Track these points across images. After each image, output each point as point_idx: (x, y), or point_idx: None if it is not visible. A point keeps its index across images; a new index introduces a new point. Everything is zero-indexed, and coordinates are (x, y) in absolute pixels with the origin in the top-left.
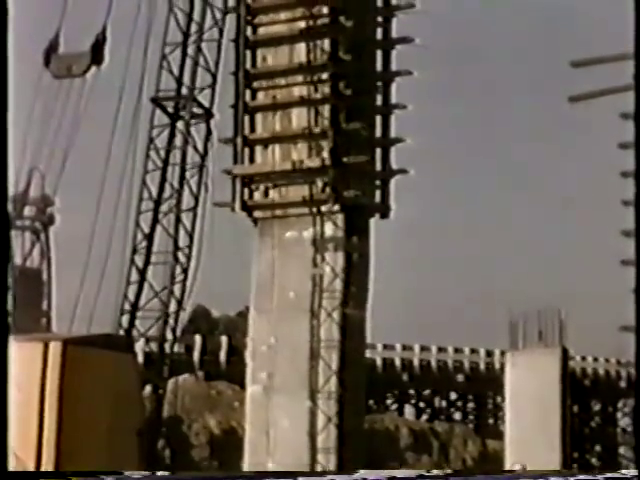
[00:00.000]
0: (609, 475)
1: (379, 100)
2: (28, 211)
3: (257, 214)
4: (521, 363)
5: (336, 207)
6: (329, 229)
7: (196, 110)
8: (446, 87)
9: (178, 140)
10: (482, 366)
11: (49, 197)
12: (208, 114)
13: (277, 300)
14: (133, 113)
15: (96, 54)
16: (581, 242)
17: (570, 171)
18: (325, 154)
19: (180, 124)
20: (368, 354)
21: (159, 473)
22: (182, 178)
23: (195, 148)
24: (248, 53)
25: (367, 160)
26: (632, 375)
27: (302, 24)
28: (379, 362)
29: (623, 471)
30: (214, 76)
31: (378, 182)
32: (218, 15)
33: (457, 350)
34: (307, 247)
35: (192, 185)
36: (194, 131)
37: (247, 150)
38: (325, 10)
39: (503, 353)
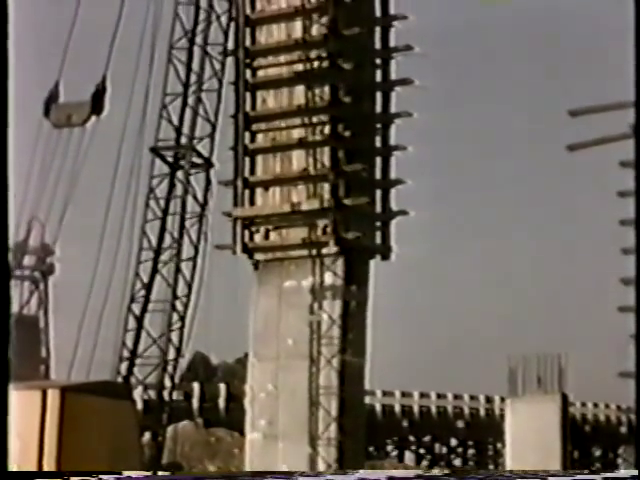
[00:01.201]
0: (608, 475)
1: (378, 142)
2: (27, 260)
3: (258, 256)
4: (521, 409)
5: (337, 249)
6: (328, 278)
7: (196, 160)
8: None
9: (178, 189)
10: (482, 412)
11: (49, 247)
12: (208, 164)
13: (276, 347)
14: (133, 163)
15: (96, 104)
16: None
17: (570, 217)
18: (326, 196)
19: (180, 173)
20: (367, 401)
21: (160, 473)
22: (182, 228)
23: (195, 197)
24: (248, 96)
25: (368, 202)
26: (633, 421)
27: (301, 67)
28: (379, 408)
29: (623, 471)
30: (214, 126)
31: (378, 224)
32: (217, 66)
33: (456, 397)
34: (305, 295)
35: (192, 235)
36: (194, 181)
37: (247, 192)
38: (324, 53)
39: (503, 399)
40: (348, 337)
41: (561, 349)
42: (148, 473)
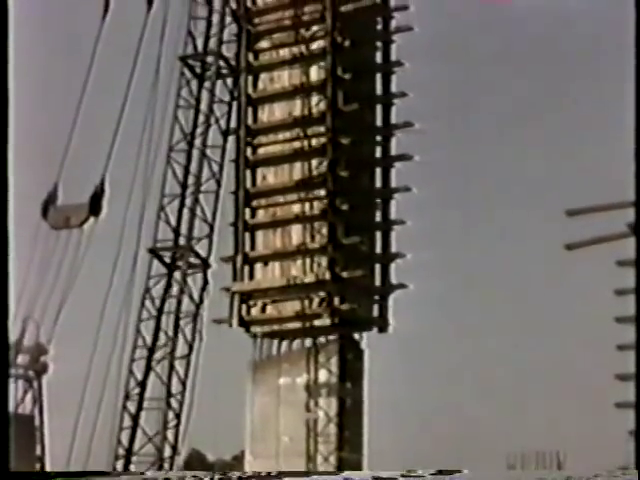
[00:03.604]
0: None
1: (378, 216)
2: (21, 359)
3: (255, 329)
4: None
5: (330, 321)
6: (323, 375)
7: (193, 260)
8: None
9: (174, 289)
10: None
11: (43, 346)
12: (205, 264)
13: (272, 445)
14: (130, 263)
15: (94, 206)
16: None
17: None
18: (323, 269)
19: (177, 274)
20: None
21: (147, 473)
22: (176, 327)
23: (191, 297)
24: (248, 173)
25: (366, 275)
26: None
27: (301, 143)
28: None
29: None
30: (211, 227)
31: (377, 297)
32: (215, 168)
33: None
34: (300, 392)
35: (186, 333)
36: (190, 280)
37: (247, 267)
38: (322, 129)
39: None
40: (345, 434)
41: (560, 445)
42: (134, 472)
